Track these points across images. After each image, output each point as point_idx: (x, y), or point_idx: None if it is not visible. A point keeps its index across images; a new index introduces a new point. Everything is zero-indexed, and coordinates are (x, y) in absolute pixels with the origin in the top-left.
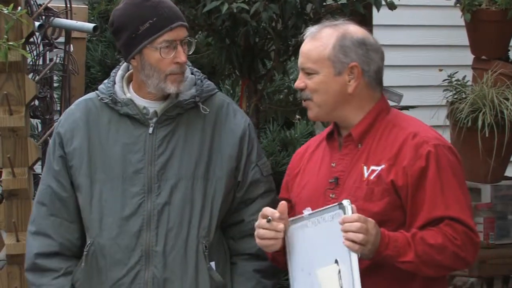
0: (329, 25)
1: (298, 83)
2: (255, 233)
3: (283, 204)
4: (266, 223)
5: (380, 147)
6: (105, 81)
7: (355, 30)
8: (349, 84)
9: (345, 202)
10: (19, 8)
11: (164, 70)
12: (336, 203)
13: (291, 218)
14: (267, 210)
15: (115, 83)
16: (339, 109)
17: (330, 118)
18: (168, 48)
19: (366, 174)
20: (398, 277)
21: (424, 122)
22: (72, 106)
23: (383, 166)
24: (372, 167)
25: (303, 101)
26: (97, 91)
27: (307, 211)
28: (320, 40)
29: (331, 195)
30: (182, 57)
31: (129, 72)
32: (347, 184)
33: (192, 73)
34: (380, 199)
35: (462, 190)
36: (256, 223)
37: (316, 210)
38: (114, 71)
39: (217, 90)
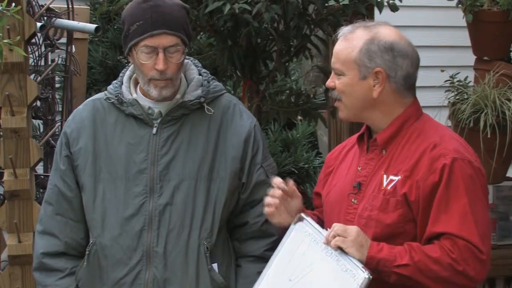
0: (362, 26)
1: (329, 82)
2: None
3: (291, 182)
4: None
5: (402, 156)
6: (114, 81)
7: (386, 33)
8: (373, 89)
9: (366, 274)
10: (13, 4)
11: (146, 74)
12: (359, 266)
13: (311, 221)
14: (276, 179)
15: (122, 84)
16: (366, 112)
17: (359, 119)
18: (150, 54)
19: (384, 183)
20: None
21: (450, 130)
22: (80, 106)
23: (399, 177)
24: (391, 177)
25: (335, 102)
26: (105, 91)
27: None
28: (350, 41)
29: (353, 200)
30: (160, 65)
31: None
32: (368, 191)
33: (200, 74)
34: (393, 210)
35: (473, 206)
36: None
37: (339, 250)
38: (122, 71)
39: (224, 91)
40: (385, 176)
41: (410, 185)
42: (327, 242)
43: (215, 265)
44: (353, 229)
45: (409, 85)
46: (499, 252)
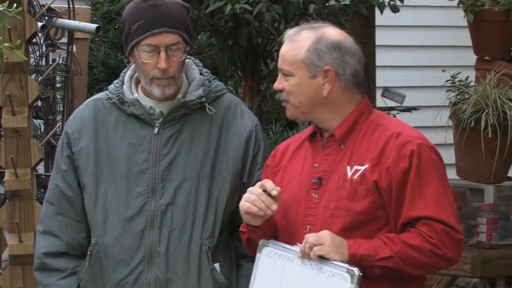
0: (307, 28)
1: (277, 84)
2: (244, 195)
3: (279, 189)
4: (262, 192)
5: (363, 147)
6: (115, 81)
7: (332, 33)
8: (323, 87)
9: (356, 272)
10: (14, 5)
11: (148, 73)
12: (345, 266)
13: (277, 242)
14: (268, 183)
15: (123, 83)
16: (316, 112)
17: (307, 119)
18: (151, 53)
19: (349, 174)
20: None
21: (405, 123)
22: (81, 106)
23: (366, 166)
24: (356, 167)
25: (282, 103)
26: (106, 91)
27: (298, 247)
28: (297, 43)
29: (314, 195)
30: (162, 64)
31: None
32: (330, 184)
33: (201, 74)
34: (363, 198)
35: (444, 189)
36: (250, 188)
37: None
38: (123, 71)
39: (226, 90)
40: (348, 167)
41: (379, 172)
42: (304, 256)
43: (217, 265)
44: (325, 234)
45: (357, 82)
46: (500, 252)
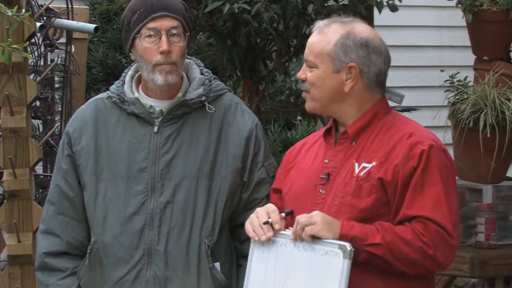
0: (338, 21)
1: (300, 74)
2: (251, 215)
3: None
4: (263, 223)
5: (374, 145)
6: (117, 81)
7: (361, 29)
8: (345, 83)
9: (348, 246)
10: (23, 10)
11: (151, 60)
12: (337, 243)
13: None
14: (275, 214)
15: (124, 83)
16: (335, 106)
17: (326, 112)
18: (153, 37)
19: (356, 171)
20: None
21: (421, 124)
22: (82, 106)
23: (374, 163)
24: (364, 164)
25: (302, 93)
26: (108, 91)
27: (290, 231)
28: (325, 35)
29: (321, 191)
30: (164, 45)
31: (139, 72)
32: (338, 180)
33: (201, 73)
34: (368, 195)
35: (446, 192)
36: (258, 209)
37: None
38: (125, 71)
39: (226, 90)
40: (356, 164)
41: (385, 170)
42: (296, 237)
43: (217, 264)
44: (316, 214)
45: (380, 82)
46: (499, 252)
